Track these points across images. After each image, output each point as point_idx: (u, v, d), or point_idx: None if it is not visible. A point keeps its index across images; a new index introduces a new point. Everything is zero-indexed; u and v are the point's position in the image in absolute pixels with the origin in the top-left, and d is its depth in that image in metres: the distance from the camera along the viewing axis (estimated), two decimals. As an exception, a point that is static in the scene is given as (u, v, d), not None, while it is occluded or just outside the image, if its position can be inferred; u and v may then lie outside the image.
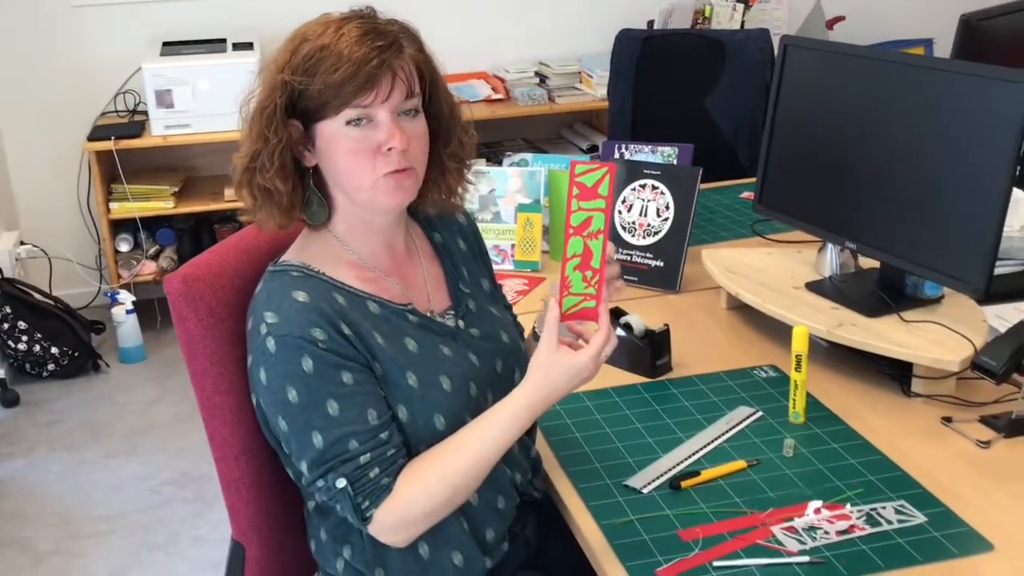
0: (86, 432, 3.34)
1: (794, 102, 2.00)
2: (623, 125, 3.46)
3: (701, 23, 4.32)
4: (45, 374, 3.67)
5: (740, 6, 4.36)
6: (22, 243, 3.92)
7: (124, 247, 3.96)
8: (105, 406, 3.51)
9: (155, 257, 3.98)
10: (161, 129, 3.78)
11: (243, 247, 1.46)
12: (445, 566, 1.38)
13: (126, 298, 3.78)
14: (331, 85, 1.29)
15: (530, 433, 1.51)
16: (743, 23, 4.36)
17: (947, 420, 1.64)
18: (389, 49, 1.30)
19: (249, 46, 3.90)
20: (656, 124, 3.40)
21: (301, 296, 1.31)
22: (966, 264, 1.68)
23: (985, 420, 1.63)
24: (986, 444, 1.57)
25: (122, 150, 3.78)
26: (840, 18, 4.34)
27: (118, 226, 3.96)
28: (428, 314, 1.43)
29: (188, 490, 3.01)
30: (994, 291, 1.81)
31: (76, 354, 3.68)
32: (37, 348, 3.61)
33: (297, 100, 1.32)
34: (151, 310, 3.98)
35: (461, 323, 1.46)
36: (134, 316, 3.79)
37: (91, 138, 3.80)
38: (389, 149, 1.31)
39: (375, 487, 1.29)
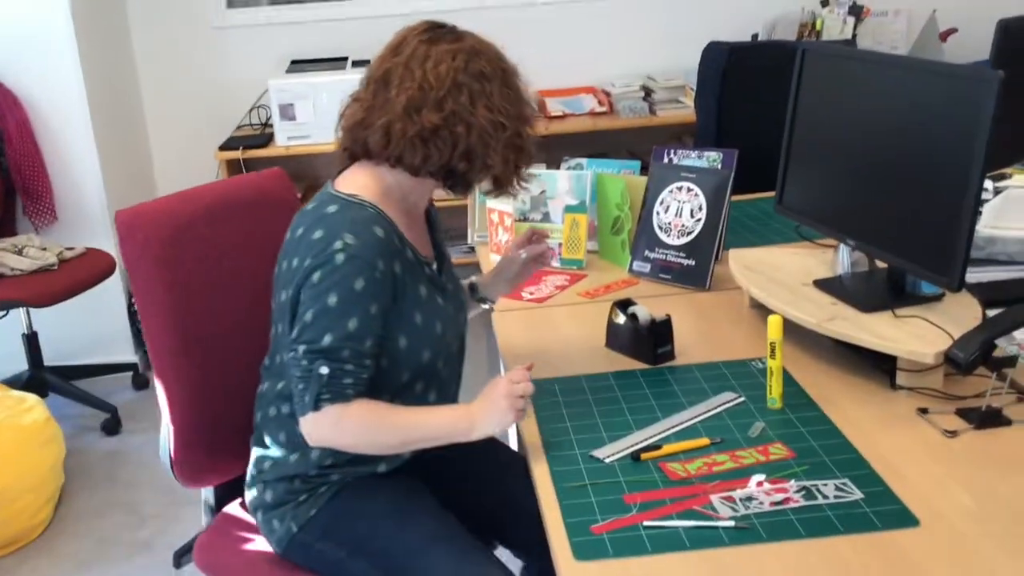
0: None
1: (809, 106, 2.06)
2: (709, 137, 3.52)
3: (808, 35, 4.33)
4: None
5: (851, 19, 4.34)
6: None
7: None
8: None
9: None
10: (284, 140, 4.11)
11: (185, 197, 2.04)
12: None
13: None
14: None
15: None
16: (855, 35, 4.34)
17: (923, 411, 1.67)
18: None
19: (368, 63, 4.17)
20: (742, 136, 3.44)
21: (380, 232, 1.61)
22: (941, 258, 1.70)
23: (961, 412, 1.65)
24: (952, 434, 1.60)
25: (249, 159, 4.12)
26: (953, 30, 4.26)
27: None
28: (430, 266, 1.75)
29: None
30: (1001, 296, 1.84)
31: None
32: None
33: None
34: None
35: (444, 278, 1.78)
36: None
37: (222, 148, 4.16)
38: None
39: (341, 390, 1.58)
